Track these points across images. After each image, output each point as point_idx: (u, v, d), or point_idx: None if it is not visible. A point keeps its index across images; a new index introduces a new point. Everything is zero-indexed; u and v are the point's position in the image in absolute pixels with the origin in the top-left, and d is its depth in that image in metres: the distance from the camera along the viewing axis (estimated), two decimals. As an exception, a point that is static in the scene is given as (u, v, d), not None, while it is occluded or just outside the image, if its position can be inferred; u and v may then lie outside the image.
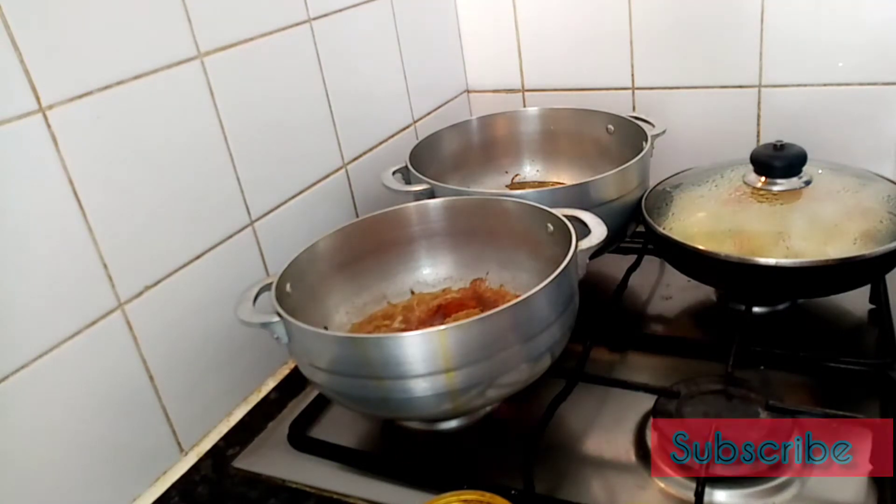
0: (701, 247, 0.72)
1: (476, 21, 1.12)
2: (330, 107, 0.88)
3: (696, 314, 0.83)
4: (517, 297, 0.58)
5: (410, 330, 0.72)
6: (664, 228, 0.77)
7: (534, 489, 0.60)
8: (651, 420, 0.64)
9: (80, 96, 0.59)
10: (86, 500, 0.62)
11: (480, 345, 0.57)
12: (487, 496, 0.54)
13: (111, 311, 0.63)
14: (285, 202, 0.82)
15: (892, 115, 0.93)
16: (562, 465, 0.64)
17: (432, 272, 0.81)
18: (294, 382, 0.79)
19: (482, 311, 0.68)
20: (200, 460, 0.70)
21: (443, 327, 0.56)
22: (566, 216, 0.69)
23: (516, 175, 1.04)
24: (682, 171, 0.87)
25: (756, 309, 0.78)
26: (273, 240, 0.80)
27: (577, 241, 0.65)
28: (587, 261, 0.66)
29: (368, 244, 0.77)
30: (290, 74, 0.81)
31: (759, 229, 0.73)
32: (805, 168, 0.77)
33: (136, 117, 0.64)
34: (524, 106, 1.14)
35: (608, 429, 0.66)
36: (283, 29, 0.80)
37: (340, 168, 0.91)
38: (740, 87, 0.99)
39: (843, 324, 0.79)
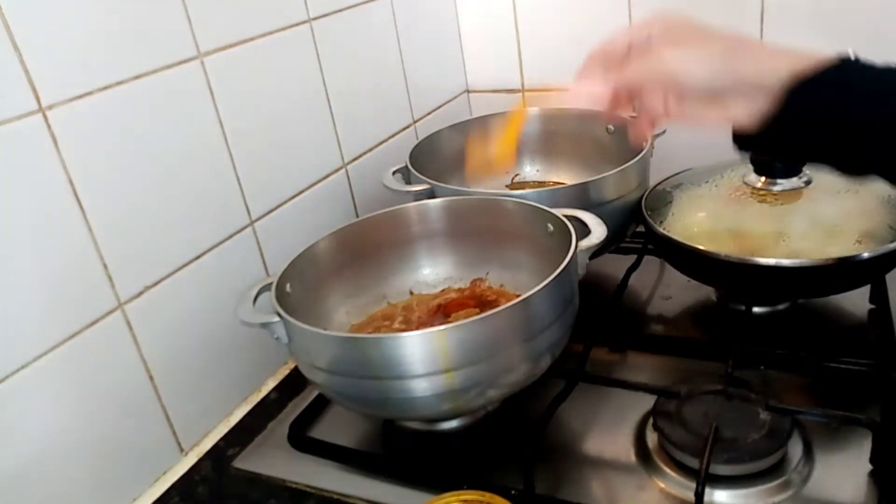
0: (701, 247, 0.72)
1: (476, 21, 1.12)
2: (330, 107, 0.88)
3: (696, 314, 0.83)
4: (517, 297, 0.58)
5: (410, 330, 0.72)
6: (664, 228, 0.77)
7: (534, 489, 0.60)
8: (651, 420, 0.64)
9: (80, 96, 0.59)
10: (86, 500, 0.62)
11: (480, 345, 0.57)
12: (487, 496, 0.54)
13: (111, 312, 0.63)
14: (285, 202, 0.82)
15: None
16: (562, 465, 0.64)
17: (432, 272, 0.81)
18: (294, 382, 0.79)
19: (482, 311, 0.68)
20: (200, 460, 0.70)
21: (443, 327, 0.56)
22: (566, 216, 0.69)
23: (516, 175, 1.03)
24: (682, 172, 0.87)
25: (756, 309, 0.78)
26: (273, 240, 0.80)
27: (577, 241, 0.65)
28: (587, 261, 0.66)
29: (368, 244, 0.77)
30: (290, 74, 0.82)
31: (759, 229, 0.73)
32: (805, 168, 0.77)
33: (136, 117, 0.64)
34: (524, 106, 1.13)
35: (608, 429, 0.66)
36: (283, 29, 0.80)
37: (340, 168, 0.91)
38: (740, 87, 0.99)
39: (844, 324, 0.79)
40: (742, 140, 0.50)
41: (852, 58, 0.45)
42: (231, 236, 0.75)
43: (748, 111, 0.47)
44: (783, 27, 0.94)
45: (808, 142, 0.47)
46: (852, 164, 0.48)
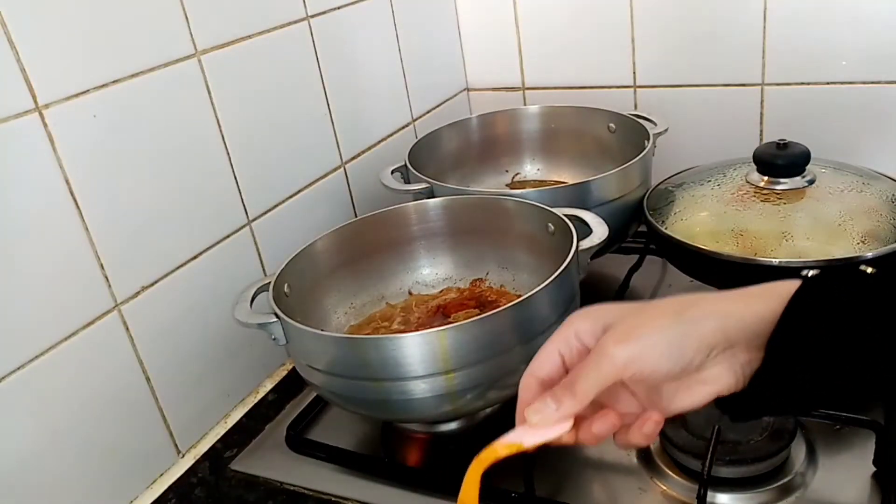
0: (703, 247, 0.71)
1: (476, 18, 1.12)
2: (328, 105, 0.87)
3: (698, 314, 0.83)
4: (517, 297, 0.58)
5: (409, 331, 0.72)
6: (666, 228, 0.76)
7: (534, 492, 0.59)
8: (653, 422, 0.63)
9: (77, 95, 0.59)
10: (81, 502, 0.62)
11: (480, 346, 0.57)
12: None
13: (108, 312, 0.63)
14: (283, 201, 0.81)
15: (895, 114, 0.92)
16: (563, 467, 0.63)
17: (431, 272, 0.81)
18: (292, 384, 0.79)
19: (482, 311, 0.67)
20: (197, 462, 0.70)
21: (442, 328, 0.56)
22: (567, 216, 0.68)
23: (517, 174, 1.03)
24: (685, 170, 0.86)
25: (759, 309, 0.77)
26: (271, 239, 0.79)
27: (578, 240, 0.64)
28: (588, 261, 0.66)
29: (367, 244, 0.77)
30: (288, 72, 0.81)
31: (762, 229, 0.73)
32: (808, 167, 0.77)
33: (133, 116, 0.63)
34: (524, 104, 1.13)
35: (609, 430, 0.66)
36: (282, 27, 0.79)
37: (339, 167, 0.90)
38: (743, 85, 0.98)
39: (847, 324, 0.78)
40: (731, 405, 0.42)
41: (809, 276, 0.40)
42: (228, 236, 0.75)
43: (733, 375, 0.40)
44: (786, 25, 0.93)
45: (808, 388, 0.39)
46: (864, 393, 0.41)
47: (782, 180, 0.76)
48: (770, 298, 0.39)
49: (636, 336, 0.40)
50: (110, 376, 0.63)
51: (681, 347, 0.39)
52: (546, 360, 0.43)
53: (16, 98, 0.55)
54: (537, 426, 0.42)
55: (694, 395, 0.41)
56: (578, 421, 0.43)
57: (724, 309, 0.40)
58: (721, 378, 0.40)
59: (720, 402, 0.42)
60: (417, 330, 0.59)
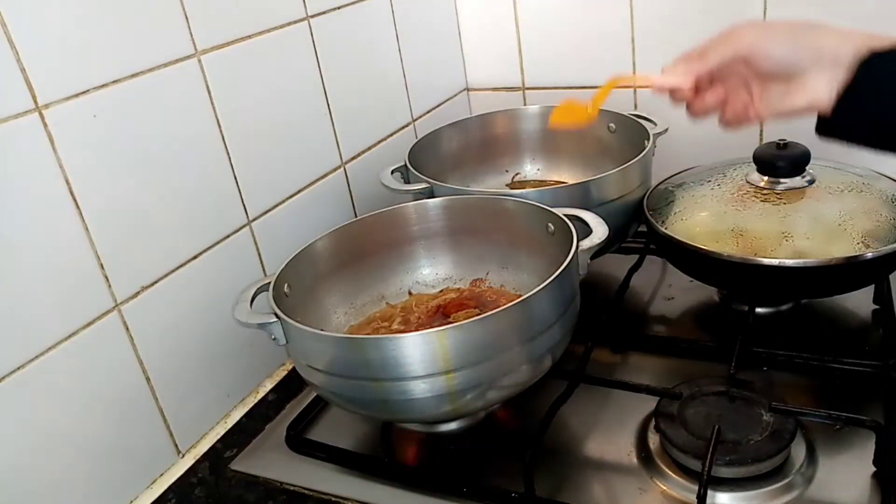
0: (703, 247, 0.71)
1: (476, 18, 1.12)
2: (328, 105, 0.87)
3: (699, 315, 0.83)
4: (518, 297, 0.58)
5: (409, 331, 0.72)
6: (666, 228, 0.76)
7: (534, 492, 0.59)
8: (653, 422, 0.63)
9: (77, 95, 0.59)
10: (82, 502, 0.62)
11: (480, 346, 0.57)
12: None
13: (108, 312, 0.63)
14: (283, 201, 0.81)
15: (895, 114, 0.92)
16: (563, 467, 0.63)
17: (431, 272, 0.81)
18: (292, 384, 0.79)
19: (482, 311, 0.67)
20: (197, 462, 0.70)
21: (442, 328, 0.55)
22: (567, 216, 0.68)
23: (517, 174, 1.03)
24: (685, 170, 0.86)
25: (759, 309, 0.77)
26: (271, 239, 0.79)
27: (578, 240, 0.64)
28: (588, 261, 0.65)
29: (367, 244, 0.77)
30: (288, 72, 0.81)
31: (762, 229, 0.73)
32: (808, 167, 0.77)
33: (133, 116, 0.63)
34: (525, 104, 1.13)
35: (610, 431, 0.66)
36: (282, 27, 0.79)
37: (339, 167, 0.90)
38: (742, 85, 0.98)
39: (847, 324, 0.78)
40: (824, 125, 0.53)
41: None
42: (228, 236, 0.75)
43: (829, 87, 0.50)
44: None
45: (886, 113, 0.48)
46: None
47: (782, 180, 0.76)
48: (890, 41, 0.48)
49: (763, 24, 0.55)
50: (110, 377, 0.63)
51: (797, 42, 0.52)
52: (697, 47, 0.57)
53: (16, 98, 0.55)
54: (669, 73, 0.57)
55: (794, 98, 0.53)
56: (696, 96, 0.58)
57: (846, 32, 0.51)
58: (819, 88, 0.51)
59: (819, 123, 0.53)
60: (417, 330, 0.59)
